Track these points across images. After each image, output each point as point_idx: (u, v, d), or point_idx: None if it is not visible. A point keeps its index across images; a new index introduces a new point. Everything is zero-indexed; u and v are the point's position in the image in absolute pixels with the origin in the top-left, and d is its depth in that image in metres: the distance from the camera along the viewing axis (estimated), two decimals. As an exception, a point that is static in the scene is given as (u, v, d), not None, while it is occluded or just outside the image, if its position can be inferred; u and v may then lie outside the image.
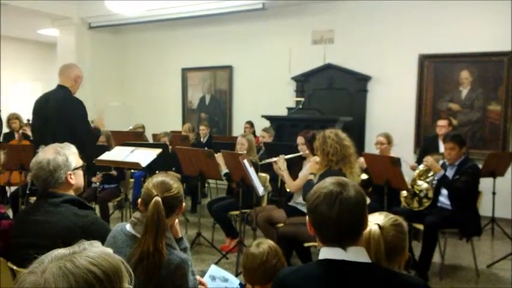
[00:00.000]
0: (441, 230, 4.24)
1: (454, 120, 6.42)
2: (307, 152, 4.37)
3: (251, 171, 4.20)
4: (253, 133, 7.21)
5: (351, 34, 7.41)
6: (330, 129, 3.73)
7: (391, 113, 7.07)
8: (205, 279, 2.26)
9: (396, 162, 4.29)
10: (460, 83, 6.67)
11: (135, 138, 6.57)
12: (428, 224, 4.17)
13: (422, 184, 4.44)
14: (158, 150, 4.36)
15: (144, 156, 4.25)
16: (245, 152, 4.89)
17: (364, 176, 4.72)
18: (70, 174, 2.21)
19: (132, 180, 6.24)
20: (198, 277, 2.10)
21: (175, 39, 9.34)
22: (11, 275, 2.19)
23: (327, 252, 1.52)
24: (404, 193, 4.53)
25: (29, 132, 6.65)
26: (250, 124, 7.66)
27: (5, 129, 6.85)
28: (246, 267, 2.26)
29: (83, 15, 8.93)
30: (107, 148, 4.96)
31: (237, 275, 3.89)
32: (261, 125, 6.89)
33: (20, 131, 6.72)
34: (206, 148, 6.19)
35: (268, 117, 6.99)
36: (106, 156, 4.34)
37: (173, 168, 5.37)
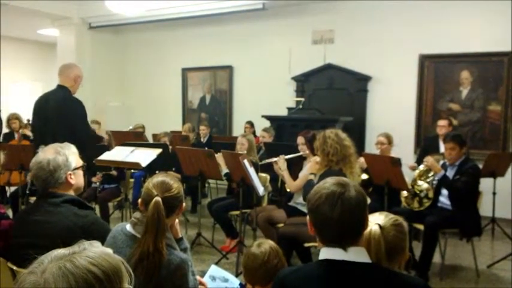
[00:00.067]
0: (441, 230, 4.24)
1: (454, 121, 6.42)
2: (307, 152, 4.37)
3: (251, 171, 4.19)
4: (254, 133, 7.21)
5: (351, 34, 7.40)
6: (330, 129, 3.73)
7: (392, 113, 7.07)
8: (206, 279, 2.26)
9: (396, 162, 4.29)
10: (460, 83, 6.66)
11: (135, 138, 6.57)
12: (429, 224, 4.17)
13: (423, 184, 4.43)
14: (158, 150, 4.36)
15: (144, 156, 4.25)
16: (245, 152, 4.89)
17: (365, 176, 4.72)
18: (70, 174, 2.21)
19: (132, 180, 6.24)
20: (198, 277, 2.09)
21: (175, 39, 9.34)
22: (10, 275, 2.19)
23: (327, 253, 1.51)
24: (404, 193, 4.52)
25: (28, 133, 6.66)
26: (251, 124, 7.66)
27: (5, 130, 6.85)
28: (247, 268, 2.26)
29: (83, 15, 8.93)
30: (107, 148, 4.95)
31: (237, 275, 3.88)
32: (261, 125, 6.89)
33: (20, 131, 6.72)
34: (206, 148, 6.18)
35: (268, 117, 6.99)
36: (106, 156, 4.34)
37: (173, 168, 5.37)
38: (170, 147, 5.46)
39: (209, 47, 8.89)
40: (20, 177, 5.06)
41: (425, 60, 6.88)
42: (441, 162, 4.48)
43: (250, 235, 4.66)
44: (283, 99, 7.62)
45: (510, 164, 5.58)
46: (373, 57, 7.22)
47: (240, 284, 2.33)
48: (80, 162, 2.31)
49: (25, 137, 6.62)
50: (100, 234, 1.97)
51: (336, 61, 7.47)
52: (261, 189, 4.24)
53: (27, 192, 4.75)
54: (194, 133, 7.80)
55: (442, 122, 5.81)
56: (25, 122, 7.05)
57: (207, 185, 7.30)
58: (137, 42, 9.92)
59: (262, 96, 8.16)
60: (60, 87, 4.19)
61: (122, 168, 5.32)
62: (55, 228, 2.05)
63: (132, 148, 4.42)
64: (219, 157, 4.82)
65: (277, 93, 7.99)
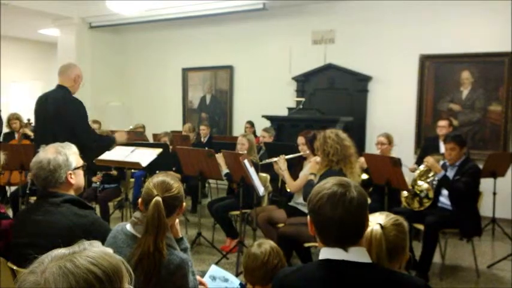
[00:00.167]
0: (442, 230, 4.24)
1: (454, 121, 6.42)
2: (307, 152, 4.37)
3: (251, 171, 4.19)
4: (254, 133, 7.22)
5: (352, 34, 7.40)
6: (331, 130, 3.73)
7: (392, 113, 7.07)
8: (206, 279, 2.26)
9: (397, 162, 4.29)
10: (460, 84, 6.66)
11: (135, 138, 6.58)
12: (429, 224, 4.17)
13: (423, 184, 4.43)
14: (158, 150, 4.36)
15: (145, 156, 4.25)
16: (245, 152, 4.89)
17: (365, 176, 4.72)
18: (70, 174, 2.21)
19: (132, 180, 6.24)
20: (198, 277, 2.09)
21: (175, 39, 9.34)
22: (11, 275, 2.19)
23: (327, 252, 1.51)
24: (404, 193, 4.52)
25: (29, 132, 6.67)
26: (251, 124, 7.66)
27: (5, 129, 6.85)
28: (247, 268, 2.26)
29: (83, 15, 8.94)
30: (107, 148, 4.95)
31: (237, 275, 3.89)
32: (262, 125, 6.89)
33: (21, 131, 6.72)
34: (206, 148, 6.18)
35: (268, 117, 6.99)
36: (106, 156, 4.34)
37: (173, 168, 5.37)
38: (170, 147, 5.46)
39: (209, 47, 8.89)
40: (20, 177, 5.06)
41: (426, 61, 6.88)
42: (441, 162, 4.48)
43: (251, 235, 4.66)
44: (283, 99, 7.62)
45: (510, 164, 5.57)
46: (373, 57, 7.22)
47: (240, 284, 2.33)
48: (81, 162, 2.32)
49: (26, 136, 6.62)
50: (100, 234, 1.97)
51: (336, 61, 7.46)
52: (261, 189, 4.24)
53: (28, 192, 4.77)
54: (194, 133, 7.80)
55: (442, 123, 5.80)
56: (25, 121, 7.06)
57: (207, 185, 7.30)
58: (137, 42, 9.92)
59: (262, 96, 8.15)
60: (60, 87, 4.19)
61: (122, 168, 5.32)
62: (55, 228, 2.05)
63: (132, 148, 4.42)
64: (219, 157, 4.82)
65: (278, 93, 7.99)
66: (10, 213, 5.05)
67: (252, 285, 2.24)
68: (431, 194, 4.38)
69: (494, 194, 5.47)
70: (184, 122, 8.99)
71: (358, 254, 1.48)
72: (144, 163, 4.17)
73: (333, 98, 7.51)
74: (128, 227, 1.96)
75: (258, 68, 8.38)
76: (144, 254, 1.80)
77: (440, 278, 4.28)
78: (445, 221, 4.21)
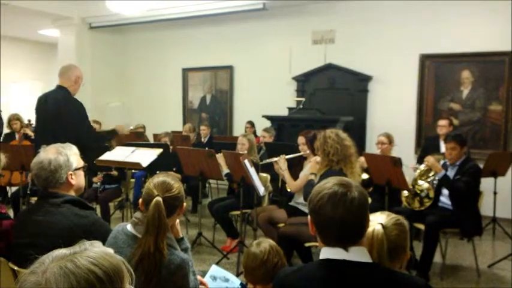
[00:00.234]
0: (442, 230, 4.23)
1: (455, 120, 6.42)
2: (308, 152, 4.38)
3: (252, 171, 4.19)
4: (254, 133, 7.21)
5: (352, 34, 7.40)
6: (331, 129, 3.73)
7: (392, 113, 7.07)
8: (206, 279, 2.26)
9: (397, 162, 4.29)
10: (461, 83, 6.66)
11: (135, 138, 6.58)
12: (429, 223, 4.17)
13: (423, 184, 4.43)
14: (159, 151, 4.36)
15: (145, 156, 4.25)
16: (246, 152, 4.89)
17: (365, 176, 4.72)
18: (71, 174, 2.21)
19: (132, 180, 6.24)
20: (199, 277, 2.09)
21: (175, 39, 9.34)
22: (12, 275, 2.19)
23: (328, 252, 1.51)
24: (405, 193, 4.52)
25: (30, 132, 6.67)
26: (251, 124, 7.66)
27: (6, 130, 6.86)
28: (247, 267, 2.26)
29: (83, 15, 8.94)
30: (108, 148, 4.96)
31: (238, 275, 3.89)
32: (262, 125, 6.89)
33: (21, 131, 6.72)
34: (207, 148, 6.18)
35: (269, 117, 7.00)
36: (107, 156, 4.34)
37: (174, 169, 5.37)
38: (171, 147, 5.46)
39: (209, 47, 8.89)
40: (20, 178, 5.06)
41: (426, 60, 6.87)
42: (442, 162, 4.48)
43: (251, 235, 4.66)
44: (283, 99, 7.62)
45: (511, 163, 5.57)
46: (373, 57, 7.22)
47: (241, 284, 2.33)
48: (81, 163, 2.32)
49: (26, 136, 6.62)
50: (101, 235, 1.97)
51: (336, 61, 7.46)
52: (261, 189, 4.24)
53: (28, 192, 4.78)
54: (195, 133, 7.80)
55: (442, 122, 5.80)
56: (26, 122, 7.06)
57: (207, 185, 7.30)
58: (137, 42, 9.93)
59: (262, 96, 8.16)
60: (59, 88, 4.20)
61: (123, 168, 5.32)
62: (56, 228, 2.06)
63: (132, 148, 4.42)
64: (220, 157, 4.82)
65: (278, 93, 7.99)
66: (11, 213, 5.06)
67: (253, 285, 2.24)
68: (431, 194, 4.38)
69: (495, 193, 5.48)
70: (184, 122, 9.00)
71: (358, 254, 1.48)
72: (145, 163, 4.17)
73: (333, 97, 7.51)
74: (129, 227, 1.96)
75: (258, 68, 8.38)
76: (144, 254, 1.80)
77: (441, 278, 4.28)
78: (446, 221, 4.21)
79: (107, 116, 8.97)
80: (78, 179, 2.27)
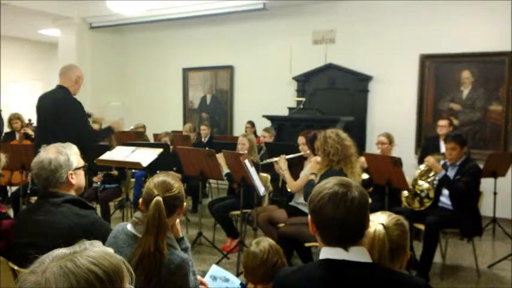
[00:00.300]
0: (442, 230, 4.23)
1: (455, 120, 6.42)
2: (308, 152, 4.38)
3: (252, 171, 4.19)
4: (254, 133, 7.21)
5: (352, 34, 7.40)
6: (331, 129, 3.73)
7: (392, 113, 7.07)
8: (206, 279, 2.26)
9: (397, 162, 4.29)
10: (461, 83, 6.66)
11: (136, 138, 6.58)
12: (429, 224, 4.17)
13: (424, 184, 4.43)
14: (159, 150, 4.36)
15: (145, 156, 4.25)
16: (246, 152, 4.89)
17: (365, 176, 4.72)
18: (71, 174, 2.21)
19: (133, 180, 6.24)
20: (199, 277, 2.09)
21: (176, 39, 9.34)
22: (12, 275, 2.19)
23: (328, 252, 1.51)
24: (405, 193, 4.52)
25: (30, 131, 6.67)
26: (251, 124, 7.66)
27: (7, 129, 6.86)
28: (247, 267, 2.26)
29: (83, 15, 8.94)
30: (108, 148, 4.96)
31: (238, 275, 3.89)
32: (262, 124, 6.89)
33: (22, 131, 6.73)
34: (207, 148, 6.18)
35: (269, 117, 7.00)
36: (107, 156, 4.34)
37: (174, 168, 5.37)
38: (171, 147, 5.46)
39: (210, 47, 8.89)
40: (21, 177, 5.06)
41: (426, 60, 6.87)
42: (442, 162, 4.48)
43: (251, 235, 4.66)
44: (284, 99, 7.63)
45: (511, 164, 5.57)
46: (374, 57, 7.22)
47: (241, 284, 2.33)
48: (81, 162, 2.32)
49: (26, 136, 6.63)
50: (101, 234, 1.97)
51: (336, 61, 7.46)
52: (261, 189, 4.24)
53: (28, 192, 4.78)
54: (195, 133, 7.80)
55: (442, 122, 5.80)
56: (26, 121, 7.06)
57: (207, 185, 7.30)
58: (138, 42, 9.93)
59: (263, 96, 8.16)
60: (59, 88, 4.20)
61: (123, 168, 5.32)
62: (56, 228, 2.06)
63: (133, 148, 4.42)
64: (220, 157, 4.82)
65: (278, 93, 7.99)
66: (11, 213, 5.06)
67: (254, 285, 2.24)
68: (431, 194, 4.38)
69: (495, 193, 5.47)
70: (184, 122, 9.00)
71: (358, 254, 1.48)
72: (145, 163, 4.17)
73: (334, 97, 7.51)
74: (129, 226, 1.97)
75: (258, 68, 8.38)
76: (144, 253, 1.80)
77: (441, 278, 4.28)
78: (446, 221, 4.21)
79: (107, 116, 8.96)
80: (79, 179, 2.27)
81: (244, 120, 7.94)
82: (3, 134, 6.93)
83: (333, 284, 1.47)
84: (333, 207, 1.48)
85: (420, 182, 4.46)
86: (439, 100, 6.84)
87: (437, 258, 4.35)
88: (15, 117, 6.76)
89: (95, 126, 6.18)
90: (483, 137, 6.54)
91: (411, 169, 5.20)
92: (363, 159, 4.63)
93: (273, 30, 8.18)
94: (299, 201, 4.28)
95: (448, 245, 4.56)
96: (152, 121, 8.69)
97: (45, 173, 2.16)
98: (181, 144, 6.29)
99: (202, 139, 7.46)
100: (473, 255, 4.43)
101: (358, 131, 6.99)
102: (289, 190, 4.45)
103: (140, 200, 1.96)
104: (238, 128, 8.51)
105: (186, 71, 9.35)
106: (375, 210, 1.79)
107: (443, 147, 5.01)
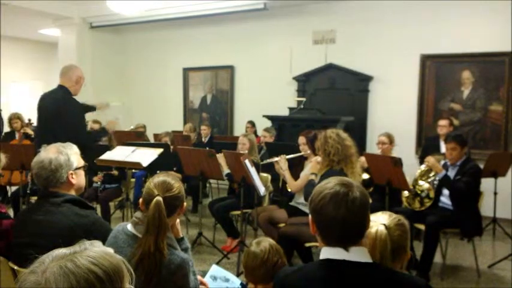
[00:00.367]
0: (442, 230, 4.23)
1: (455, 120, 6.42)
2: (308, 152, 4.37)
3: (252, 171, 4.19)
4: (255, 133, 7.22)
5: (353, 34, 7.40)
6: (331, 129, 3.73)
7: (393, 113, 7.07)
8: (207, 279, 2.25)
9: (397, 162, 4.29)
10: (461, 83, 6.66)
11: (136, 138, 6.58)
12: (430, 224, 4.17)
13: (424, 184, 4.43)
14: (159, 150, 4.36)
15: (145, 156, 4.25)
16: (246, 152, 4.89)
17: (366, 176, 4.72)
18: (71, 173, 2.21)
19: (133, 180, 6.24)
20: (199, 277, 2.09)
21: (176, 39, 9.34)
22: (12, 275, 2.19)
23: (328, 252, 1.51)
24: (405, 193, 4.52)
25: (30, 131, 6.67)
26: (252, 124, 7.66)
27: (7, 129, 6.86)
28: (247, 267, 2.26)
29: (84, 15, 8.94)
30: (108, 148, 4.96)
31: (238, 275, 3.89)
32: (263, 124, 6.89)
33: (22, 131, 6.73)
34: (207, 148, 6.18)
35: (269, 117, 6.99)
36: (107, 156, 4.34)
37: (174, 168, 5.37)
38: (171, 147, 5.46)
39: (210, 47, 8.89)
40: (21, 177, 5.06)
41: (427, 60, 6.87)
42: (442, 162, 4.48)
43: (251, 235, 4.66)
44: (284, 99, 7.63)
45: (511, 164, 5.57)
46: (374, 57, 7.22)
47: (241, 284, 2.33)
48: (82, 162, 2.32)
49: (26, 136, 6.63)
50: (101, 234, 1.97)
51: (337, 61, 7.46)
52: (262, 189, 4.24)
53: (28, 191, 4.77)
54: (195, 133, 7.80)
55: (443, 122, 5.80)
56: (26, 121, 7.06)
57: (208, 185, 7.30)
58: (138, 42, 9.92)
59: (263, 96, 8.15)
60: (60, 88, 4.20)
61: (123, 168, 5.32)
62: (56, 227, 2.06)
63: (133, 148, 4.42)
64: (220, 157, 4.82)
65: (279, 93, 7.99)
66: (11, 213, 5.06)
67: (254, 285, 2.24)
68: (432, 194, 4.38)
69: (495, 193, 5.47)
70: (185, 122, 9.00)
71: (359, 254, 1.48)
72: (145, 163, 4.17)
73: (334, 97, 7.51)
74: (129, 226, 1.96)
75: (258, 68, 8.38)
76: (144, 253, 1.80)
77: (441, 278, 4.27)
78: (446, 221, 4.20)
79: (107, 116, 8.95)
80: (79, 179, 2.27)
81: (244, 120, 7.93)
82: (3, 134, 6.92)
83: (333, 284, 1.47)
84: (334, 207, 1.47)
85: (420, 182, 4.45)
86: (440, 100, 6.84)
87: (437, 258, 4.35)
88: (15, 117, 6.77)
89: (95, 127, 6.20)
90: (483, 137, 6.54)
91: (411, 169, 5.20)
92: (363, 159, 4.63)
93: (273, 30, 8.18)
94: (299, 201, 4.27)
95: (449, 245, 4.56)
96: (152, 121, 8.68)
97: (45, 172, 2.15)
98: (182, 144, 6.29)
99: (203, 139, 7.46)
100: (473, 255, 4.43)
101: (358, 131, 6.99)
102: (289, 190, 4.45)
103: (140, 200, 1.96)
104: (239, 128, 8.51)
105: (186, 71, 9.35)
106: (375, 210, 1.79)
107: (443, 147, 5.01)
